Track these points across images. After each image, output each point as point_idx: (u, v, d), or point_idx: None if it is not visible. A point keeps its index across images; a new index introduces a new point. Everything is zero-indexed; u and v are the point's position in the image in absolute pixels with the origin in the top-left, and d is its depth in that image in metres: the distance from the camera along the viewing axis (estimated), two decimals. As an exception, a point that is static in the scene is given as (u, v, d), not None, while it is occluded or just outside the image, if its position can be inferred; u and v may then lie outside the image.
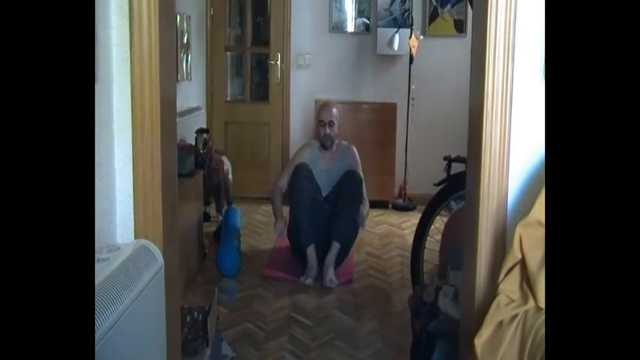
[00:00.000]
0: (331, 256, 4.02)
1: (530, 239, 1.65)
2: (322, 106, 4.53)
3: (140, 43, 1.89)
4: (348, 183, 4.15)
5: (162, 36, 1.93)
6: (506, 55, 1.92)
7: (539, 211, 1.67)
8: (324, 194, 4.24)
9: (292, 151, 4.71)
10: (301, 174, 4.15)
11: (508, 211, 1.96)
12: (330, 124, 4.33)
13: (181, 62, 4.84)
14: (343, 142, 4.48)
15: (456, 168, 3.44)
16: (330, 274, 3.96)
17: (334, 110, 4.39)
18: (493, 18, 1.91)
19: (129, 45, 1.89)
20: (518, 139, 1.95)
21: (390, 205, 5.91)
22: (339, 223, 4.08)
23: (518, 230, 1.70)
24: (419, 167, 5.73)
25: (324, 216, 4.13)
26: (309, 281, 3.94)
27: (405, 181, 5.92)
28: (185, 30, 4.94)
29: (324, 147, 4.36)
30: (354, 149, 4.43)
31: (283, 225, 4.29)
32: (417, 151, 5.87)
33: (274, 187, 4.47)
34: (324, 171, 4.30)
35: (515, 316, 1.61)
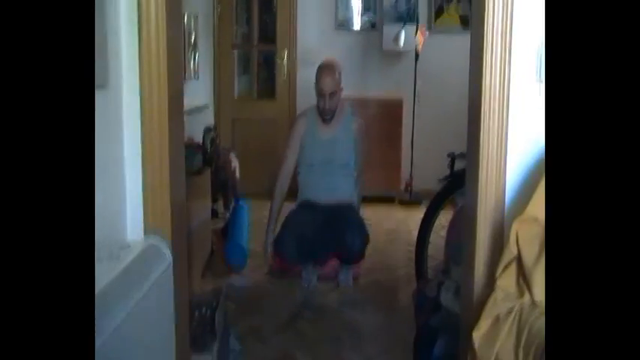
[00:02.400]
0: (346, 275, 3.86)
1: (526, 235, 1.68)
2: (321, 71, 3.64)
3: (148, 47, 1.94)
4: (350, 242, 3.63)
5: (170, 38, 1.99)
6: (504, 55, 1.95)
7: (534, 207, 1.71)
8: (326, 165, 3.70)
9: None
10: (287, 246, 3.63)
11: (506, 208, 2.01)
12: (332, 95, 3.58)
13: (189, 61, 4.88)
14: (348, 107, 3.77)
15: (461, 164, 3.48)
16: (349, 277, 3.86)
17: (337, 75, 3.59)
18: (490, 19, 1.95)
19: (137, 49, 1.95)
20: (515, 137, 1.99)
21: (397, 201, 5.95)
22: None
23: (515, 226, 1.73)
24: (425, 163, 5.75)
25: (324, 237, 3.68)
26: (312, 285, 3.81)
27: (411, 177, 5.95)
28: (192, 29, 4.98)
29: (323, 120, 3.74)
30: (361, 123, 3.79)
31: (271, 247, 3.75)
32: (423, 147, 5.89)
33: (279, 173, 3.83)
34: (325, 142, 3.75)
35: (511, 311, 1.65)
